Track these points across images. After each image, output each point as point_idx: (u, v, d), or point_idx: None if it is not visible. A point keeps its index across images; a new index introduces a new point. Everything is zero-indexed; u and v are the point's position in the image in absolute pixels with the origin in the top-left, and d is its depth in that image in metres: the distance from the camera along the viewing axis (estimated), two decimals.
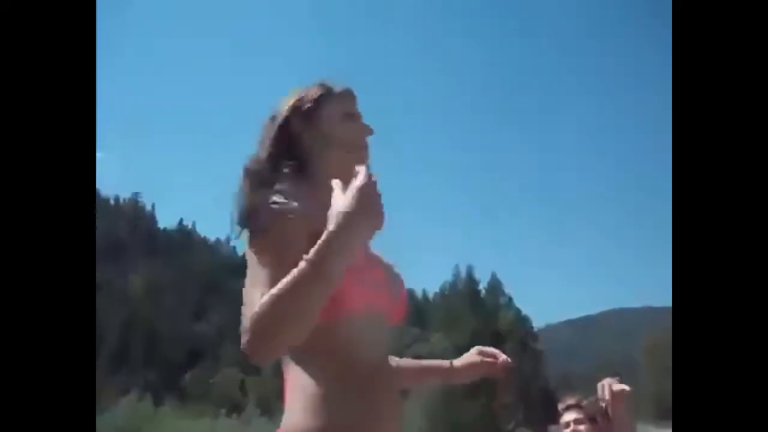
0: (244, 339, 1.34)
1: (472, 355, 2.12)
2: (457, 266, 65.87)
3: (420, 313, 59.29)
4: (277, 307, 1.32)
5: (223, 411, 43.95)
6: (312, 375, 1.49)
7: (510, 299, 68.61)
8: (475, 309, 37.13)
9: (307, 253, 1.37)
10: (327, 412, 1.45)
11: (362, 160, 1.68)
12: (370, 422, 1.49)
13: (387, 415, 1.54)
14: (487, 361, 2.09)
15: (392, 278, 1.66)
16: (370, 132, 1.74)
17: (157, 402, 50.62)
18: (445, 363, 2.10)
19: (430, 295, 76.69)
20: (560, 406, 3.22)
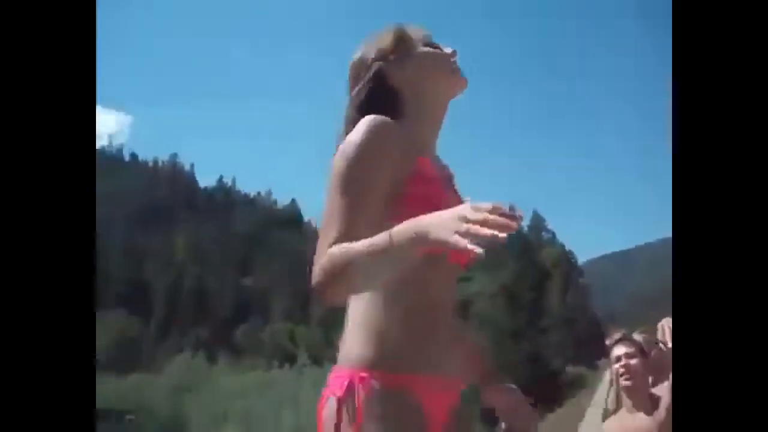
0: (313, 280, 1.39)
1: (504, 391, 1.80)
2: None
3: None
4: (340, 270, 1.34)
5: (276, 362, 44.92)
6: (374, 311, 1.50)
7: (553, 235, 68.62)
8: (518, 247, 37.05)
9: (384, 197, 1.43)
10: (380, 337, 1.47)
11: (458, 81, 1.69)
12: (432, 360, 1.50)
13: (449, 352, 1.55)
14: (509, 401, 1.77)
15: None
16: (455, 53, 1.73)
17: (211, 358, 52.04)
18: (486, 374, 1.81)
19: None
20: (608, 341, 3.21)
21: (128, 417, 46.56)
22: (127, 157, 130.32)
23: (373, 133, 1.47)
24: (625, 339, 3.09)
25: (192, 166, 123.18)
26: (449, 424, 1.54)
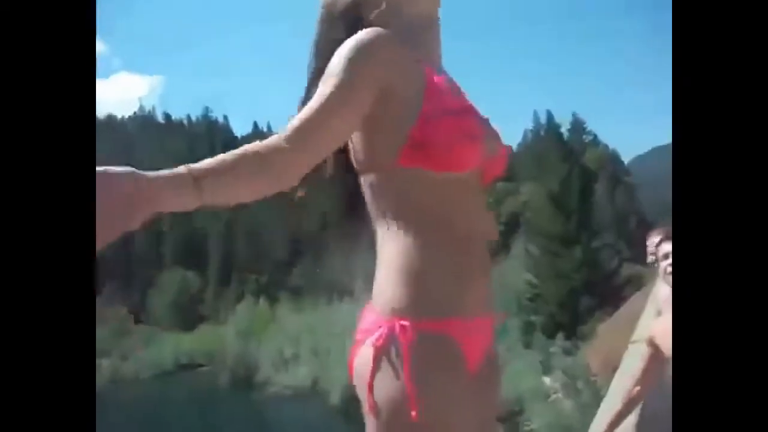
0: None
1: None
2: (536, 112, 64.94)
3: (507, 166, 58.89)
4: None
5: (335, 296, 45.34)
6: (407, 250, 1.46)
7: (594, 137, 67.35)
8: (560, 153, 36.52)
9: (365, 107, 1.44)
10: (417, 280, 1.45)
11: None
12: (469, 301, 1.49)
13: (483, 288, 1.54)
14: None
15: (490, 133, 1.59)
16: None
17: (272, 302, 52.77)
18: None
19: (514, 146, 76.10)
20: (652, 240, 3.10)
21: (201, 369, 47.95)
22: (160, 118, 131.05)
23: (369, 41, 1.45)
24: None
25: (225, 117, 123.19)
26: (484, 364, 1.54)
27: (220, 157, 1.33)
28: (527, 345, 27.13)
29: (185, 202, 1.28)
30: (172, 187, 1.25)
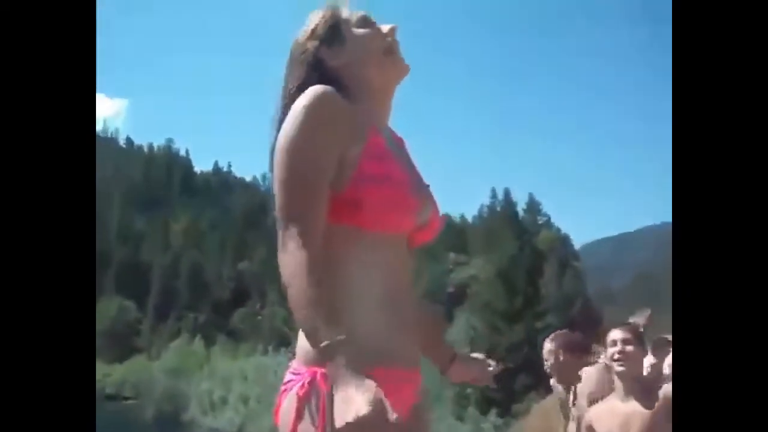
0: (283, 279, 1.41)
1: (469, 362, 1.89)
2: (493, 189, 66.10)
3: (460, 238, 59.59)
4: (295, 303, 1.40)
5: (272, 347, 44.85)
6: (332, 303, 1.43)
7: (548, 219, 68.44)
8: (514, 231, 37.03)
9: (329, 175, 1.45)
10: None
11: (393, 67, 1.64)
12: (393, 352, 1.49)
13: (409, 341, 1.55)
14: (479, 370, 1.89)
15: (425, 201, 1.61)
16: (393, 31, 1.65)
17: (208, 342, 51.94)
18: (446, 354, 1.87)
19: (469, 219, 76.99)
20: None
21: (127, 401, 46.82)
22: (122, 142, 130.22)
23: (318, 104, 1.46)
24: (623, 324, 3.05)
25: (187, 152, 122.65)
26: (410, 416, 1.51)
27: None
28: (460, 418, 26.91)
29: None
30: None
